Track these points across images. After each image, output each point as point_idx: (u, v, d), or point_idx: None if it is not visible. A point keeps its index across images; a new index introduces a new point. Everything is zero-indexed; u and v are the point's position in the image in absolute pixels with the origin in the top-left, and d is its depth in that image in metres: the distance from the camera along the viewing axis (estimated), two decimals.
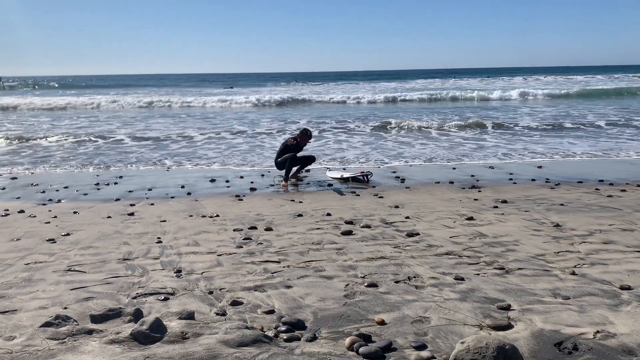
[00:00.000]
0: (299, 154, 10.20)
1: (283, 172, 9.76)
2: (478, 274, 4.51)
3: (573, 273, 4.48)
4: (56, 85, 69.18)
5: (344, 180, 9.79)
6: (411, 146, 14.57)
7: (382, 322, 3.55)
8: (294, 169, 10.09)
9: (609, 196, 7.85)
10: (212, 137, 17.00)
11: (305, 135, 10.27)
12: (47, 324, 3.34)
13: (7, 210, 7.66)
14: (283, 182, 9.54)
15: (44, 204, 8.18)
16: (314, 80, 79.00)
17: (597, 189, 8.43)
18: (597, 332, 3.32)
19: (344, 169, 10.98)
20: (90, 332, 3.31)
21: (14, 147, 15.55)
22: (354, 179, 9.71)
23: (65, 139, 16.85)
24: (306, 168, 10.56)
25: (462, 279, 4.38)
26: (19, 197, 8.79)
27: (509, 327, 3.44)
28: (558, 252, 5.12)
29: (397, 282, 4.37)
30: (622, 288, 4.09)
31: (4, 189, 9.61)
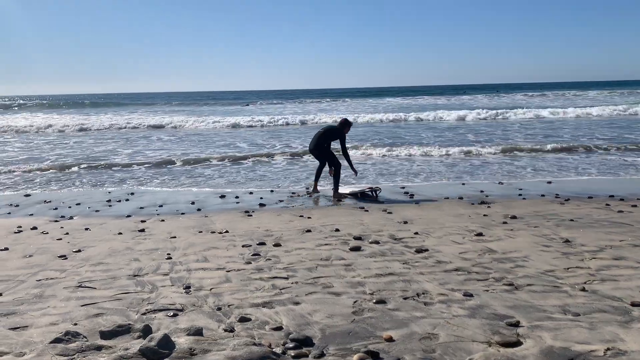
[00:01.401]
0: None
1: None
2: (487, 290, 4.50)
3: (583, 289, 4.45)
4: (87, 102, 69.31)
5: (352, 195, 9.80)
6: None
7: (390, 339, 3.55)
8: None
9: (620, 212, 7.80)
10: None
11: (348, 125, 10.24)
12: (56, 340, 3.37)
13: (20, 227, 7.75)
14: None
15: (56, 221, 8.28)
16: (334, 96, 76.76)
17: (607, 205, 8.38)
18: (608, 349, 3.30)
19: (353, 184, 10.98)
20: (99, 348, 3.34)
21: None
22: (363, 194, 9.72)
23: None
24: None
25: (471, 295, 4.37)
26: (32, 214, 8.90)
27: (518, 343, 3.42)
28: (568, 268, 5.09)
29: (405, 298, 4.37)
30: (634, 305, 4.05)
31: (17, 205, 9.73)
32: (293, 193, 10.36)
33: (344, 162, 10.22)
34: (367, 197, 9.64)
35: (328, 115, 33.71)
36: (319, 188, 10.35)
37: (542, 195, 9.43)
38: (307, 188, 10.72)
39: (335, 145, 10.23)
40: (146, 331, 3.61)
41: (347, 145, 10.28)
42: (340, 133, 10.06)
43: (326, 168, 10.22)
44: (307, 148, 11.07)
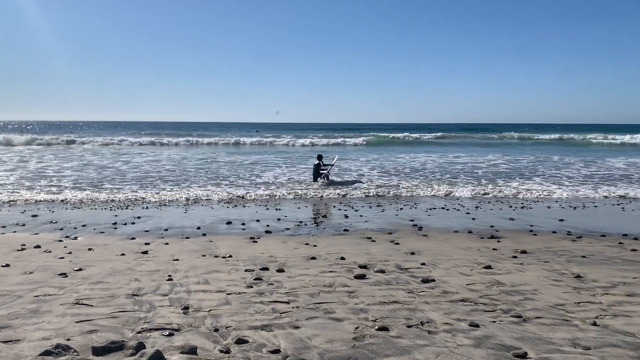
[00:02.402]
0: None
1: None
2: (494, 322, 4.34)
3: (594, 324, 4.28)
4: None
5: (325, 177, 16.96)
6: None
7: None
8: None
9: (633, 250, 7.60)
10: None
11: (320, 157, 18.32)
12: (46, 353, 3.27)
13: (24, 245, 7.71)
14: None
15: (60, 240, 8.23)
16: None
17: (620, 243, 8.18)
18: None
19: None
20: None
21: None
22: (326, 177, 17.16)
23: None
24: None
25: (477, 326, 4.21)
26: (37, 233, 8.87)
27: None
28: (579, 303, 4.92)
29: (409, 326, 4.22)
30: None
31: (24, 225, 9.72)
32: (300, 222, 10.27)
33: None
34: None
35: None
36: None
37: (554, 232, 9.25)
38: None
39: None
40: (139, 348, 3.50)
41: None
42: (320, 161, 18.11)
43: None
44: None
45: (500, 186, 16.66)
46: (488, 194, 15.09)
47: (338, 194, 14.92)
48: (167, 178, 18.53)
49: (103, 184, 16.71)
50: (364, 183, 17.55)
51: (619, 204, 13.24)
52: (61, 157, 27.94)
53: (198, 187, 16.21)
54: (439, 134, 59.26)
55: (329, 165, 18.55)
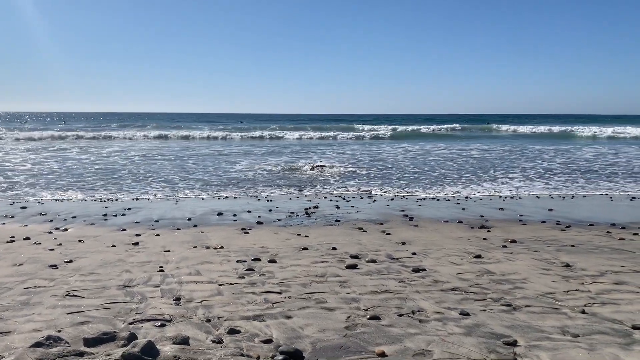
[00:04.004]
0: None
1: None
2: (484, 310, 4.38)
3: (583, 312, 4.33)
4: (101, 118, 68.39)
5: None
6: None
7: (382, 354, 3.43)
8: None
9: (621, 239, 7.68)
10: None
11: None
12: (37, 344, 3.26)
13: (13, 237, 7.65)
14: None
15: (50, 232, 8.18)
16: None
17: (608, 232, 8.26)
18: None
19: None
20: (81, 354, 3.22)
21: None
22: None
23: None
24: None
25: (468, 314, 4.25)
26: (26, 225, 8.81)
27: None
28: (568, 291, 4.97)
29: (400, 315, 4.25)
30: (635, 328, 3.94)
31: (13, 217, 9.64)
32: (292, 212, 10.27)
33: None
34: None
35: None
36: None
37: (543, 222, 9.32)
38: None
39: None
40: (131, 339, 3.50)
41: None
42: None
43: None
44: None
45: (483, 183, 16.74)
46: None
47: (331, 188, 14.93)
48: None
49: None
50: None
51: (606, 195, 13.36)
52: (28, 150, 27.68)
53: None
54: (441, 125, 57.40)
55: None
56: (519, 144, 33.08)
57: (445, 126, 55.86)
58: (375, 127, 53.45)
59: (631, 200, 12.30)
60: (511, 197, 12.66)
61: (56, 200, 12.02)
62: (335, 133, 43.74)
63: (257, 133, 42.74)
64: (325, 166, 19.14)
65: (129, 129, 48.95)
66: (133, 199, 12.23)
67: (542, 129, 52.78)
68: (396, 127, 52.26)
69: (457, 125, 58.42)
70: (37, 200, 12.00)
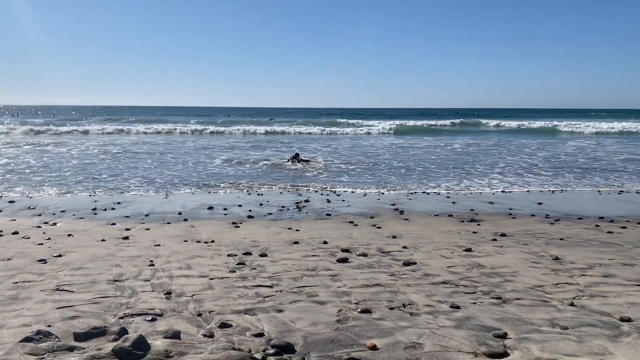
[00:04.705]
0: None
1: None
2: (474, 303, 4.41)
3: (572, 304, 4.38)
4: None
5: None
6: None
7: (374, 347, 3.45)
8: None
9: (609, 232, 7.76)
10: None
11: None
12: (27, 339, 3.24)
13: (1, 231, 7.58)
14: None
15: (38, 227, 8.11)
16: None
17: (597, 225, 8.34)
18: None
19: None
20: (71, 349, 3.21)
21: None
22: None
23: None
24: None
25: (458, 307, 4.28)
26: (14, 219, 8.73)
27: (504, 355, 3.33)
28: (557, 284, 5.02)
29: (391, 308, 4.27)
30: (622, 320, 3.98)
31: (1, 211, 9.55)
32: (283, 206, 10.26)
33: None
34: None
35: None
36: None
37: (532, 215, 9.39)
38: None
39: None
40: (122, 334, 3.48)
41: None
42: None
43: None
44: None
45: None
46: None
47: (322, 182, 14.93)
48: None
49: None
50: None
51: (595, 188, 13.48)
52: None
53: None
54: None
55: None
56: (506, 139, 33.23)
57: (440, 122, 55.04)
58: (363, 121, 53.47)
59: (619, 194, 12.42)
60: (501, 192, 12.73)
61: (44, 194, 11.91)
62: (324, 128, 43.36)
63: (241, 127, 41.95)
64: (310, 160, 19.03)
65: (108, 123, 47.52)
66: (116, 194, 12.15)
67: (538, 124, 51.65)
68: (391, 121, 51.75)
69: (452, 120, 57.27)
70: (25, 194, 11.88)
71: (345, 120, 56.32)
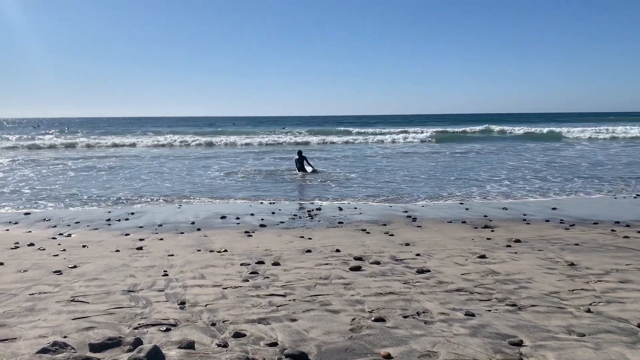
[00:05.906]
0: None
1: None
2: (489, 310, 4.37)
3: (588, 310, 4.32)
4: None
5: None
6: None
7: (388, 356, 3.43)
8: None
9: (626, 237, 7.67)
10: None
11: (300, 152, 18.90)
12: (43, 351, 3.26)
13: (17, 243, 7.67)
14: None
15: (53, 238, 8.20)
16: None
17: (613, 230, 8.25)
18: None
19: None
20: (87, 359, 3.22)
21: None
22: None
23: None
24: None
25: (473, 315, 4.24)
26: (30, 231, 8.83)
27: None
28: (573, 290, 4.96)
29: (405, 317, 4.25)
30: None
31: (17, 223, 9.67)
32: (295, 215, 10.27)
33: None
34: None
35: None
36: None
37: (547, 221, 9.31)
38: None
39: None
40: (137, 344, 3.50)
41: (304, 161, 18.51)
42: (301, 156, 18.57)
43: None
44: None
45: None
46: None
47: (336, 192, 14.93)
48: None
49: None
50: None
51: (610, 192, 13.33)
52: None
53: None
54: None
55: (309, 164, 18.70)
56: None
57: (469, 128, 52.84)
58: (368, 129, 52.81)
59: (635, 198, 12.27)
60: (514, 197, 12.63)
61: (59, 206, 12.03)
62: (330, 137, 41.99)
63: (249, 137, 41.18)
64: (318, 171, 18.25)
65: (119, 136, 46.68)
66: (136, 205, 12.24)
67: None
68: (423, 128, 50.39)
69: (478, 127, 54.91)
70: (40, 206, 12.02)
71: (363, 129, 54.57)
